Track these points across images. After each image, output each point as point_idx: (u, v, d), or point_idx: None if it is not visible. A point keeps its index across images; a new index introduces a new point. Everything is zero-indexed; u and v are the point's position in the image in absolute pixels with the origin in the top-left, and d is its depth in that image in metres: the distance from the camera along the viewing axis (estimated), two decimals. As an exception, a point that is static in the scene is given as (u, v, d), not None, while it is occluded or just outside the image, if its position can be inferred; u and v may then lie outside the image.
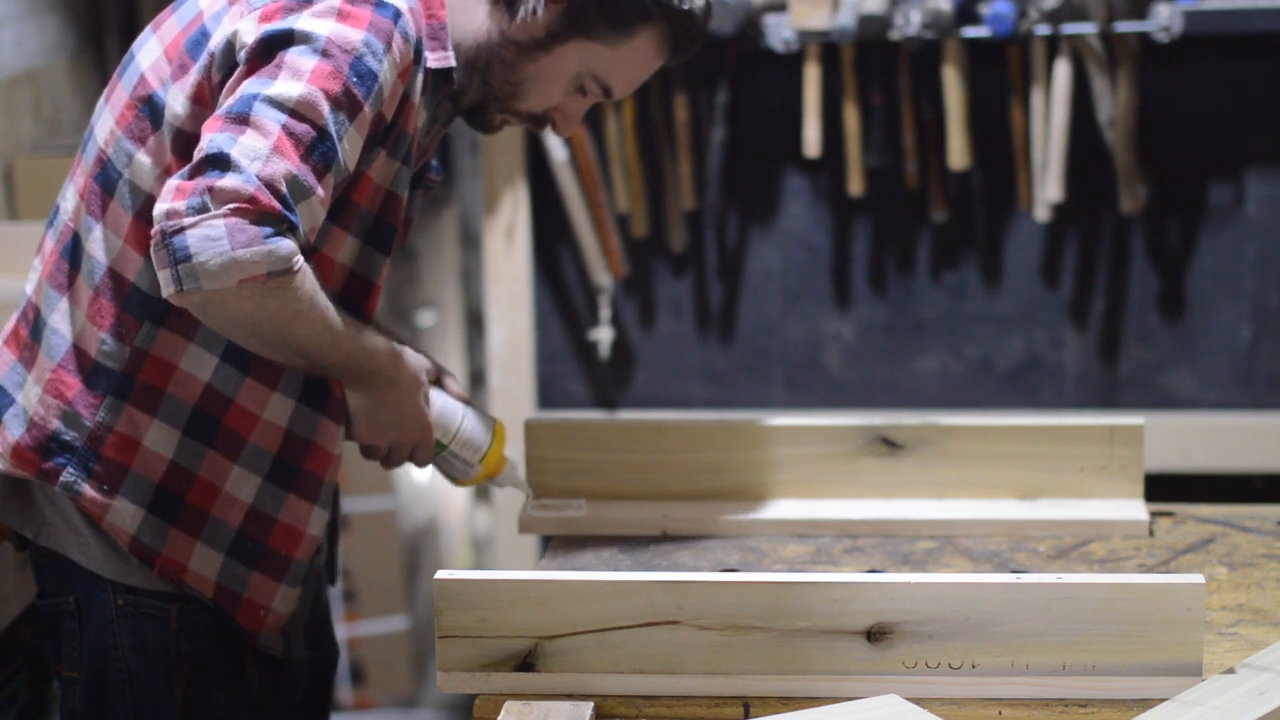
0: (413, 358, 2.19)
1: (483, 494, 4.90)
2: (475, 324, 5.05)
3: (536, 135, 3.53)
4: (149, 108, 2.07)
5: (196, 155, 1.92)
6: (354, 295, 2.13)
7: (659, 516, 2.35)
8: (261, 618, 2.16)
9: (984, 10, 3.38)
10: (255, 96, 1.93)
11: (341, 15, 1.97)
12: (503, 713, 1.83)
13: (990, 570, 2.21)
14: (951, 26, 3.35)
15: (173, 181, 1.91)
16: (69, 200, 2.15)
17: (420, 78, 2.07)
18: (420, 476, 4.60)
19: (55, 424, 2.11)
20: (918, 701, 1.84)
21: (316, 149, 1.94)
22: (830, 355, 3.63)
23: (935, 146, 3.48)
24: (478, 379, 4.97)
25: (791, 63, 3.46)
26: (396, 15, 2.00)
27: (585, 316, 3.65)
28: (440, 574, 1.87)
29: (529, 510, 2.39)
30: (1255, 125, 3.49)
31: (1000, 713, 1.84)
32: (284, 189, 1.91)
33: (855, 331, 3.62)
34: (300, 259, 1.94)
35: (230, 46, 2.00)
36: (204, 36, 2.04)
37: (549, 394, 3.71)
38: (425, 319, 4.66)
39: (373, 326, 2.15)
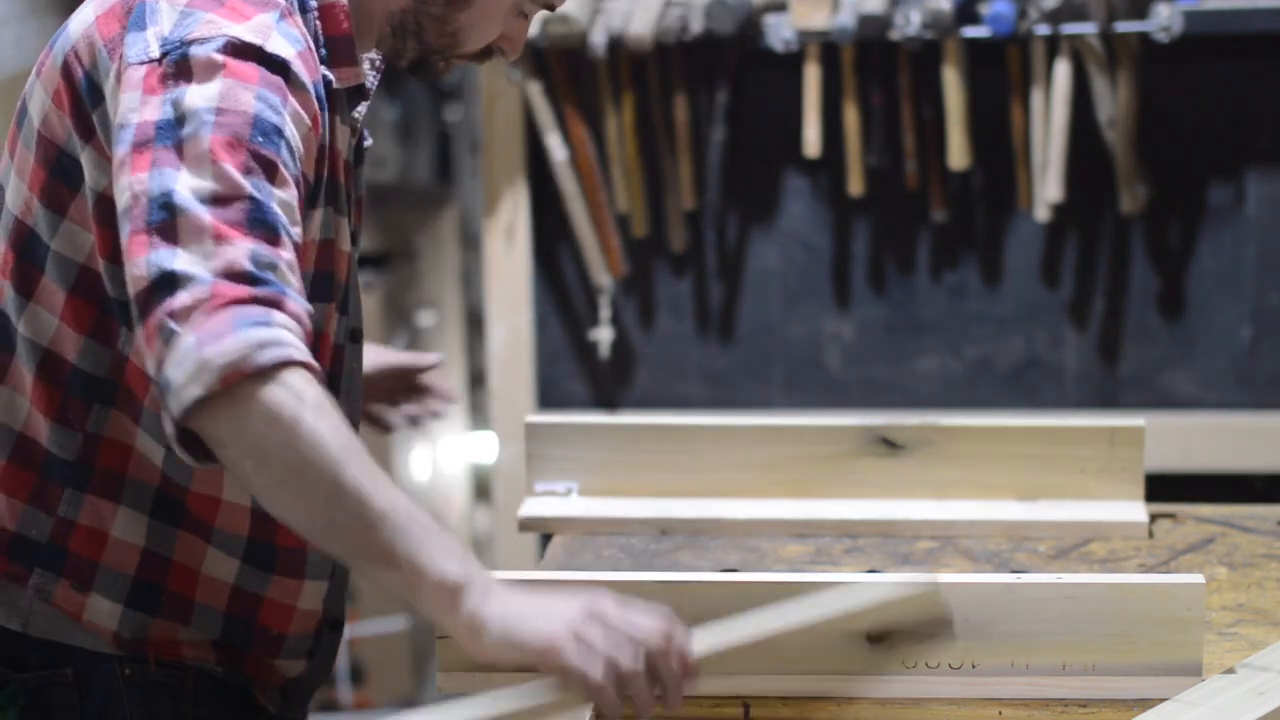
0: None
1: (483, 494, 4.90)
2: (475, 324, 5.05)
3: (537, 136, 3.53)
4: (59, 169, 1.87)
5: (137, 284, 1.69)
6: None
7: (659, 516, 2.35)
8: (265, 672, 2.02)
9: (984, 10, 3.38)
10: (170, 194, 1.69)
11: (229, 72, 1.75)
12: (503, 713, 1.83)
13: (990, 570, 2.21)
14: (951, 26, 3.35)
15: (138, 330, 1.70)
16: None
17: (328, 118, 1.88)
18: (420, 476, 4.60)
19: (14, 524, 1.93)
20: (918, 701, 1.84)
21: (255, 221, 1.71)
22: (830, 355, 3.63)
23: (935, 146, 3.48)
24: (478, 379, 4.97)
25: (791, 63, 3.46)
26: (285, 67, 1.78)
27: (585, 316, 3.65)
28: (440, 574, 1.87)
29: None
30: (1255, 125, 3.49)
31: (1000, 713, 1.84)
32: (248, 267, 1.67)
33: (855, 331, 3.62)
34: (296, 353, 1.66)
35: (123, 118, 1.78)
36: (94, 91, 1.84)
37: (549, 394, 3.70)
38: (425, 319, 4.67)
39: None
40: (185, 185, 1.70)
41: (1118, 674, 1.84)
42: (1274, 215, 3.51)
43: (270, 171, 1.73)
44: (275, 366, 1.64)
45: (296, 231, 1.75)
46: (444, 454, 4.75)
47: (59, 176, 1.87)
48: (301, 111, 1.79)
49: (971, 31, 3.38)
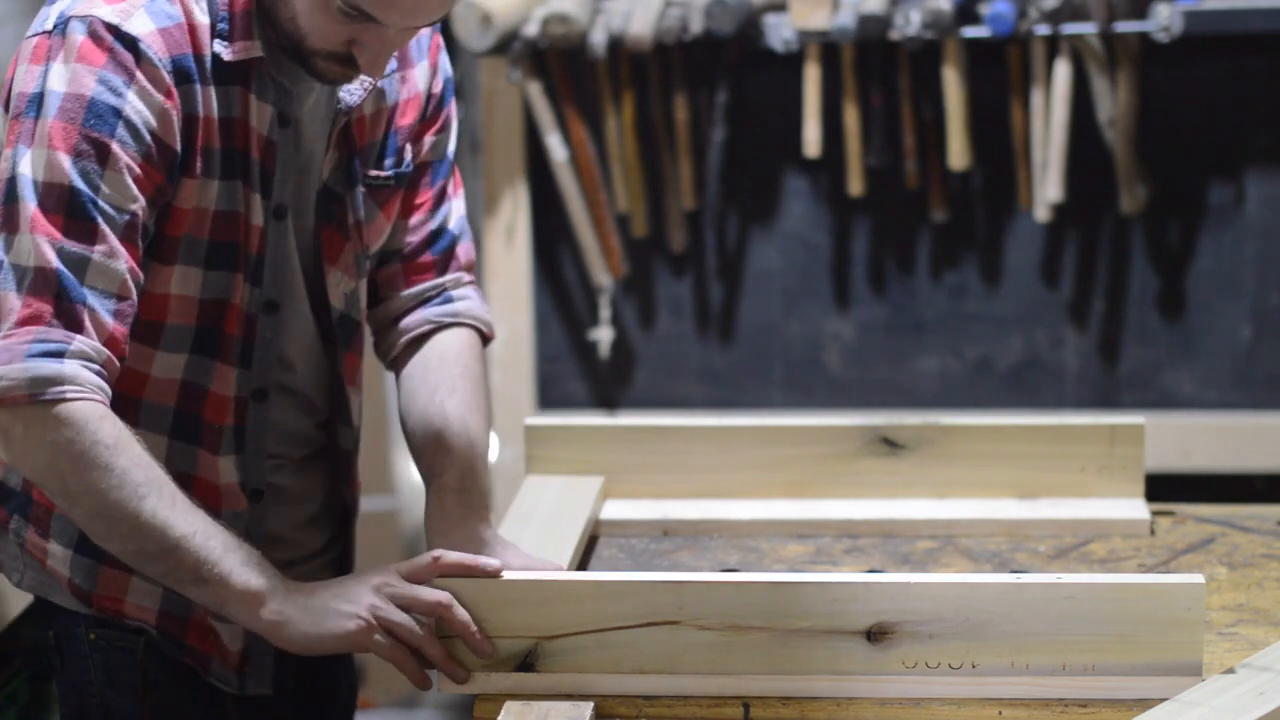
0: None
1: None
2: (475, 324, 5.04)
3: (537, 136, 3.54)
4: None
5: None
6: (210, 319, 2.01)
7: (659, 516, 2.35)
8: (211, 642, 2.08)
9: (984, 10, 3.38)
10: (15, 178, 1.85)
11: (81, 56, 1.86)
12: (503, 713, 1.83)
13: (990, 570, 2.21)
14: (951, 26, 3.35)
15: None
16: None
17: (236, 91, 1.95)
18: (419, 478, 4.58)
19: (3, 470, 2.08)
20: (918, 701, 1.84)
21: (73, 211, 1.84)
22: (830, 355, 3.63)
23: (935, 146, 3.48)
24: (478, 379, 4.96)
25: (791, 63, 3.46)
26: (133, 44, 1.87)
27: (585, 316, 3.65)
28: (440, 574, 1.87)
29: None
30: (1255, 125, 3.49)
31: (1000, 713, 1.84)
32: (57, 265, 1.82)
33: (855, 331, 3.62)
34: (72, 392, 1.82)
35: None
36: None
37: (549, 394, 3.70)
38: (425, 319, 4.66)
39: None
40: (27, 167, 1.84)
41: (1118, 674, 1.84)
42: (1274, 215, 3.51)
43: (102, 152, 1.85)
44: (54, 402, 1.80)
45: (134, 208, 1.87)
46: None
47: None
48: (149, 86, 1.88)
49: (971, 31, 3.38)
